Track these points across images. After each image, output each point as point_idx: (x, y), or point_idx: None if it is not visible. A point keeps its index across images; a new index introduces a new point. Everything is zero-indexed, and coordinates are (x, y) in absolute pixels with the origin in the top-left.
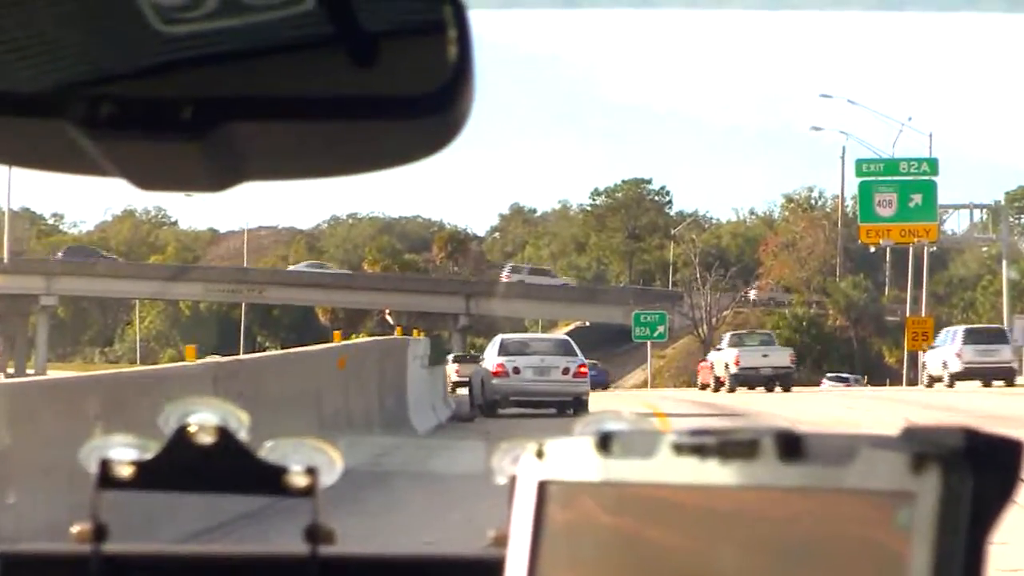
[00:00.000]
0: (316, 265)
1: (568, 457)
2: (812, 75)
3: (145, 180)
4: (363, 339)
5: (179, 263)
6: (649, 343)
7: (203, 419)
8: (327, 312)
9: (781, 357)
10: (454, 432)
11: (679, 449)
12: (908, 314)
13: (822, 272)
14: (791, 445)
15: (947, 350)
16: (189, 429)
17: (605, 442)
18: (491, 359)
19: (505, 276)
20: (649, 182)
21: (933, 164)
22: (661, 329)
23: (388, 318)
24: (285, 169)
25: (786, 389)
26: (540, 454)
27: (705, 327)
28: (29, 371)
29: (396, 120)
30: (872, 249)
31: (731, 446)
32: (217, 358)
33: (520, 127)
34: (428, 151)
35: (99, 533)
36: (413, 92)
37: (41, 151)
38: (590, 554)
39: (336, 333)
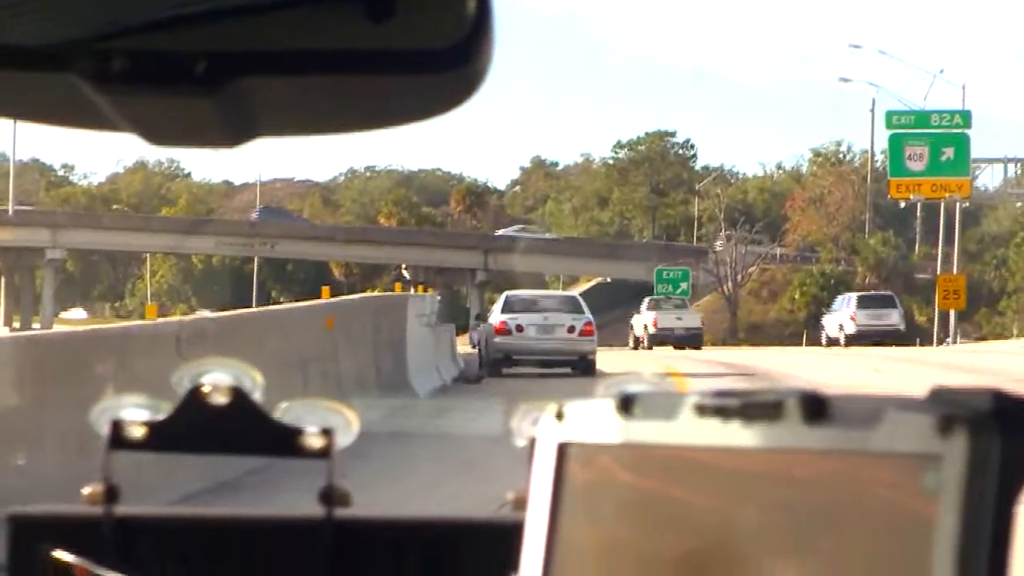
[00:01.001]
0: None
1: (589, 419)
2: (841, 25)
3: (157, 135)
4: (356, 296)
5: (191, 216)
6: None
7: (217, 379)
8: (341, 267)
9: (693, 319)
10: (456, 394)
11: (702, 411)
12: (939, 272)
13: (850, 228)
14: (816, 407)
15: (843, 314)
16: (203, 389)
17: (626, 404)
18: (495, 316)
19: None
20: (673, 135)
21: (966, 116)
22: (684, 286)
23: (404, 273)
24: (299, 125)
25: (696, 348)
26: (560, 416)
27: (730, 284)
28: (35, 325)
29: (413, 75)
30: (902, 204)
31: (755, 408)
32: (204, 314)
33: (543, 79)
34: (446, 107)
35: (110, 495)
36: (431, 46)
37: (52, 106)
38: (611, 516)
39: (325, 289)
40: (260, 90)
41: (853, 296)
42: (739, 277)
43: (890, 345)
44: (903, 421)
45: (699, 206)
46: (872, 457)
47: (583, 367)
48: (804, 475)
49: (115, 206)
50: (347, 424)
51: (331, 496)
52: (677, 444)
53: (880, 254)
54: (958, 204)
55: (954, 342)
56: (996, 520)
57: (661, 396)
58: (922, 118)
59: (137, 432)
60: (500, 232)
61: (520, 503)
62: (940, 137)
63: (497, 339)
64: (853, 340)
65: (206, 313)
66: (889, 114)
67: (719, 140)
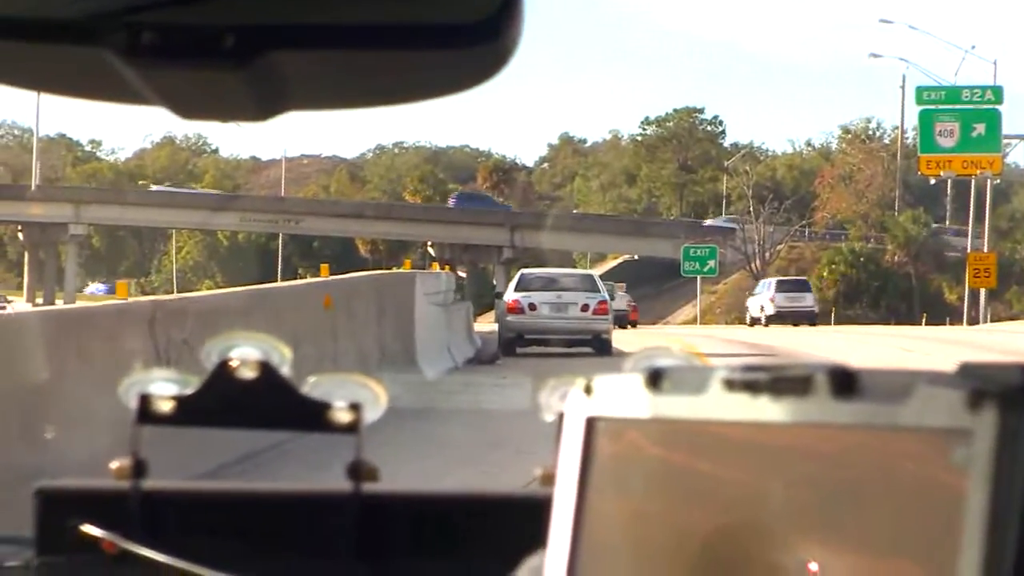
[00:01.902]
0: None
1: (617, 393)
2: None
3: (187, 109)
4: (357, 274)
5: (217, 192)
6: (699, 278)
7: (245, 353)
8: (366, 244)
9: (619, 302)
10: (468, 375)
11: (730, 385)
12: (969, 249)
13: (880, 206)
14: (845, 381)
15: (764, 297)
16: (231, 364)
17: (655, 378)
18: (508, 294)
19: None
20: (702, 111)
21: (998, 92)
22: (712, 264)
23: (430, 250)
24: (328, 99)
25: (622, 327)
26: (588, 390)
27: (758, 262)
28: (58, 301)
29: (442, 49)
30: (932, 181)
31: (783, 382)
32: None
33: (572, 55)
34: (475, 81)
35: (138, 469)
36: (460, 20)
37: (82, 79)
38: (639, 490)
39: (324, 266)
40: (288, 64)
41: (773, 280)
42: (767, 255)
43: (802, 325)
44: (933, 396)
45: (728, 183)
46: (901, 432)
47: (597, 346)
48: (833, 450)
49: (140, 181)
50: (375, 399)
51: (359, 471)
52: (705, 419)
53: (910, 232)
54: (989, 181)
55: (985, 321)
56: None
57: (689, 370)
58: (953, 94)
59: (165, 406)
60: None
61: (548, 479)
62: (971, 113)
63: (509, 318)
64: (773, 319)
65: (156, 297)
66: (920, 89)
67: (748, 117)
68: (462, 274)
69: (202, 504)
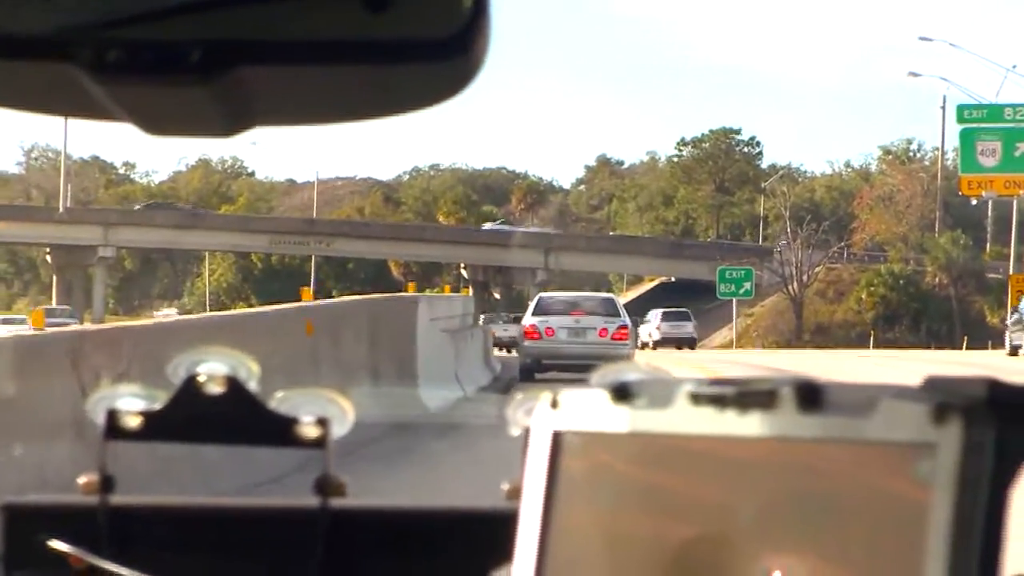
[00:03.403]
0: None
1: (583, 407)
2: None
3: (154, 124)
4: (348, 298)
5: (249, 214)
6: (735, 300)
7: (212, 368)
8: (400, 265)
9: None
10: (472, 405)
11: (696, 399)
12: (1011, 271)
13: (920, 227)
14: (811, 396)
15: (652, 325)
16: (198, 379)
17: (621, 392)
18: (526, 319)
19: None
20: (739, 132)
21: None
22: (747, 286)
23: (463, 272)
24: (296, 115)
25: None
26: (555, 404)
27: (796, 284)
28: (86, 324)
29: (409, 65)
30: (973, 201)
31: (750, 396)
32: (168, 312)
33: (611, 77)
34: (443, 96)
35: (106, 484)
36: (427, 36)
37: (49, 95)
38: (605, 504)
39: (304, 290)
40: (256, 79)
41: (659, 311)
42: (805, 277)
43: (684, 348)
44: (898, 409)
45: (765, 205)
46: (866, 445)
47: None
48: (799, 463)
49: (171, 202)
50: (343, 414)
51: (326, 486)
52: (672, 432)
53: (951, 253)
54: None
55: None
56: (990, 508)
57: (656, 384)
58: (995, 112)
59: (133, 422)
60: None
61: (515, 493)
62: (1014, 132)
63: (527, 343)
64: (659, 344)
65: (171, 312)
66: (960, 108)
67: (786, 138)
68: (497, 295)
69: (170, 519)
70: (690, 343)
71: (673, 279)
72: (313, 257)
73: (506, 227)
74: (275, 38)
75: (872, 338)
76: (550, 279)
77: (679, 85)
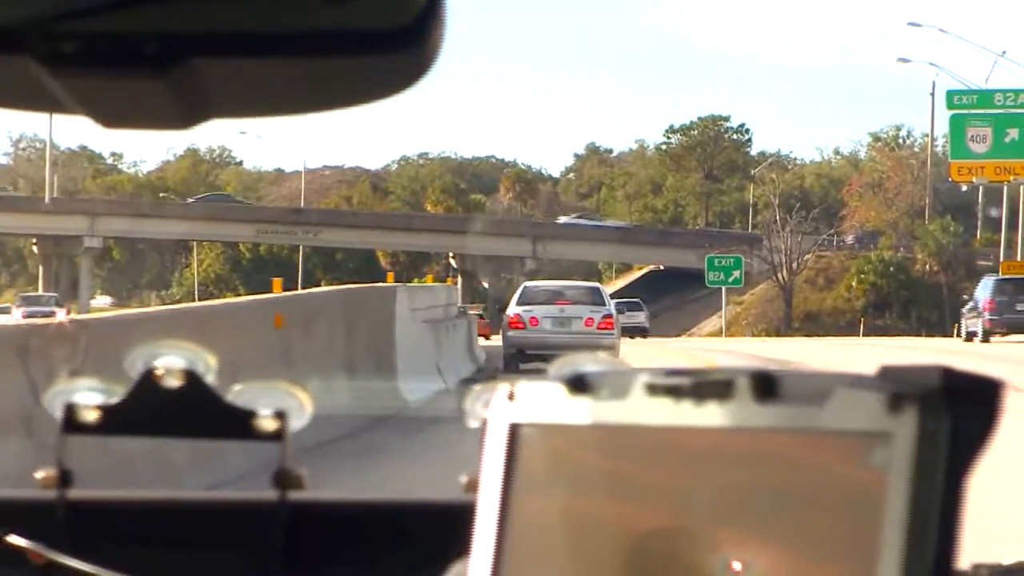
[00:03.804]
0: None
1: (540, 399)
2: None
3: (108, 117)
4: (321, 289)
5: (239, 204)
6: (724, 289)
7: (170, 362)
8: (387, 255)
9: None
10: (454, 399)
11: (653, 390)
12: (1002, 259)
13: (910, 214)
14: (766, 385)
15: None
16: (156, 372)
17: (577, 384)
18: (510, 308)
19: None
20: (727, 119)
21: None
22: (737, 274)
23: (452, 262)
24: (251, 106)
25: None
26: (511, 396)
27: (785, 272)
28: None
29: (365, 56)
30: (964, 188)
31: (705, 386)
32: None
33: (600, 65)
34: (399, 87)
35: (64, 479)
36: (383, 27)
37: (2, 88)
38: (562, 496)
39: (275, 281)
40: (211, 71)
41: (613, 302)
42: (794, 265)
43: (635, 337)
44: (852, 399)
45: (754, 192)
46: (822, 435)
47: None
48: (756, 453)
49: (162, 194)
50: (301, 406)
51: (285, 479)
52: (628, 423)
53: (941, 240)
54: (1022, 187)
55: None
56: (945, 497)
57: (612, 376)
58: (985, 97)
59: (90, 416)
60: (562, 220)
61: (473, 485)
62: (1004, 117)
63: (510, 333)
64: None
65: (106, 301)
66: (950, 93)
67: (775, 125)
68: (486, 284)
69: (129, 513)
70: (642, 332)
71: (662, 267)
72: (301, 247)
73: (584, 221)
74: (231, 30)
75: (862, 325)
76: (539, 268)
77: (668, 73)
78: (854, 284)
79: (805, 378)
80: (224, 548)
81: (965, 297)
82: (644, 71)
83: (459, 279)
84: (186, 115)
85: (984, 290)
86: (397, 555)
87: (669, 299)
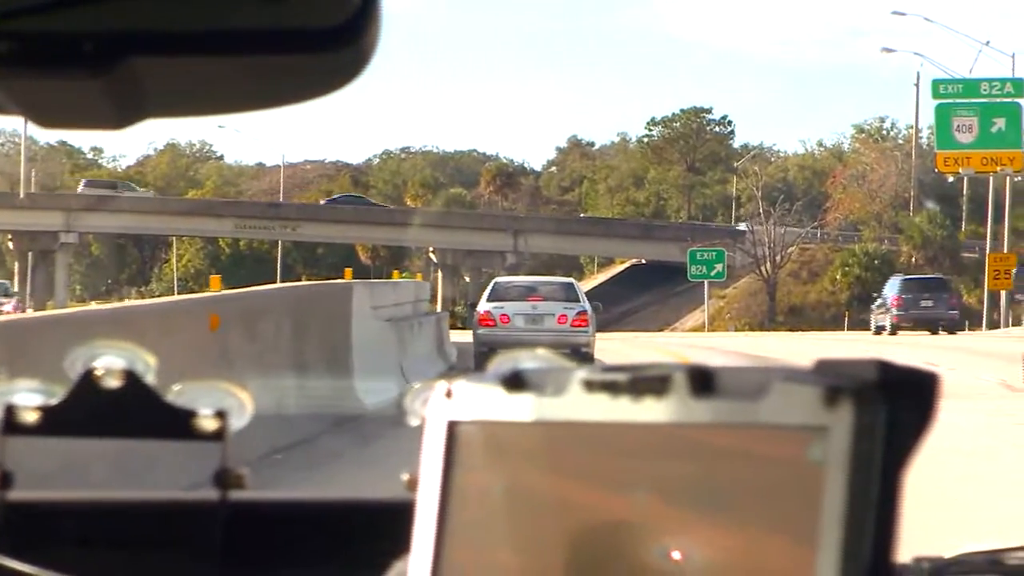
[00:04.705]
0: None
1: (478, 396)
2: None
3: (45, 117)
4: (266, 287)
5: (217, 198)
6: (707, 283)
7: (110, 362)
8: (367, 250)
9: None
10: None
11: (590, 386)
12: (988, 251)
13: (894, 206)
14: (703, 380)
15: None
16: (96, 373)
17: (515, 381)
18: (481, 305)
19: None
20: (709, 111)
21: (1018, 85)
22: (719, 267)
23: (432, 256)
24: (189, 105)
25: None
26: (449, 394)
27: (769, 265)
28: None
29: (302, 54)
30: (950, 179)
31: (642, 382)
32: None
33: (582, 58)
34: (336, 85)
35: (4, 481)
36: (320, 24)
37: None
38: (501, 492)
39: (214, 278)
40: (148, 71)
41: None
42: (778, 258)
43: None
44: (789, 393)
45: (737, 185)
46: (759, 429)
47: (578, 360)
48: (695, 447)
49: (140, 189)
50: (241, 406)
51: (225, 478)
52: (566, 420)
53: (926, 232)
54: (1008, 178)
55: (1006, 325)
56: (883, 491)
57: (549, 372)
58: (971, 87)
59: (30, 417)
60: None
61: (414, 483)
62: (990, 107)
63: (480, 331)
64: None
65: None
66: (936, 83)
67: (758, 117)
68: (467, 279)
69: (70, 514)
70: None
71: (644, 261)
72: (280, 242)
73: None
74: (168, 29)
75: (847, 319)
76: (520, 262)
77: (649, 65)
78: (838, 277)
79: (742, 372)
80: (165, 548)
81: (875, 295)
82: (626, 64)
83: (439, 274)
84: (123, 114)
85: (892, 288)
86: (339, 554)
87: (651, 293)
